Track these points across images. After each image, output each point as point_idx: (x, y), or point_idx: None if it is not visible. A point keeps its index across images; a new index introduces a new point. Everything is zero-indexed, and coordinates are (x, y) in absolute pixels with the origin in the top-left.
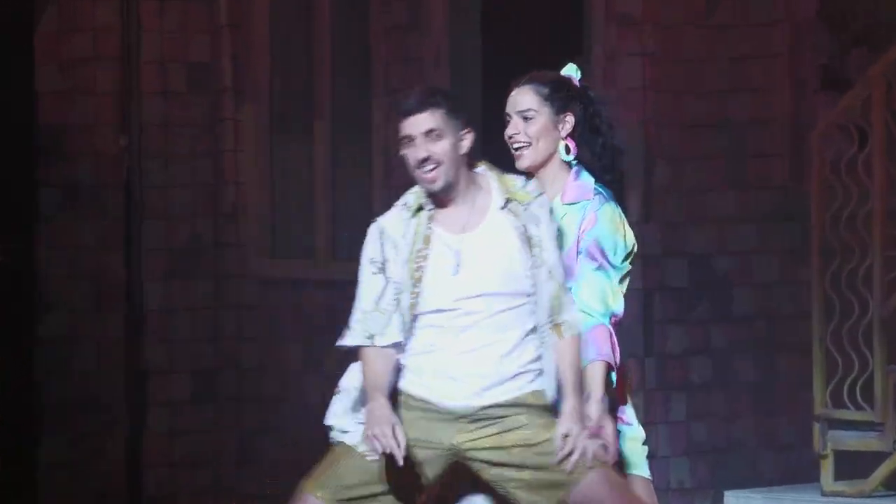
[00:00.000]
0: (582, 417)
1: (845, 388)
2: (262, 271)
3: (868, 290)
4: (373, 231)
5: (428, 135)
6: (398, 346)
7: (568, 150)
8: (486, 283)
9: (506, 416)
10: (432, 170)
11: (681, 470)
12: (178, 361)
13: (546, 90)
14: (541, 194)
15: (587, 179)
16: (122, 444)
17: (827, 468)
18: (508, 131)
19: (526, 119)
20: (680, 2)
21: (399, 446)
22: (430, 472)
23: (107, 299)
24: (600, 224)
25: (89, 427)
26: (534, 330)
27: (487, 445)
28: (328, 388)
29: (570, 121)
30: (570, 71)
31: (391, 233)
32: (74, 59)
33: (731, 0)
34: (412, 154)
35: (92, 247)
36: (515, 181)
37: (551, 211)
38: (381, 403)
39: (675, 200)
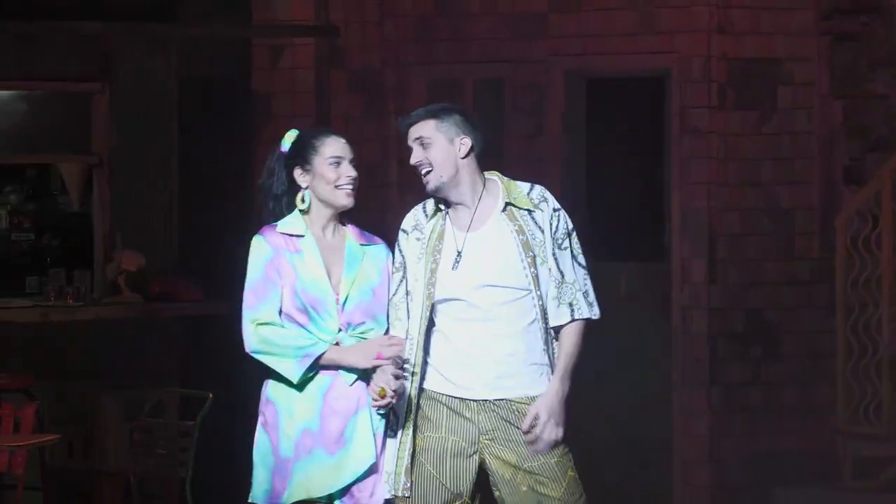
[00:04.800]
0: (560, 403)
1: (861, 409)
2: None
3: (879, 335)
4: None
5: (418, 140)
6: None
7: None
8: (484, 276)
9: (517, 415)
10: (426, 174)
11: (738, 471)
12: None
13: None
14: (544, 201)
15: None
16: None
17: (847, 470)
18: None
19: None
20: (738, 116)
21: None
22: (467, 468)
23: None
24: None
25: None
26: (537, 320)
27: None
28: None
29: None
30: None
31: (407, 229)
32: None
33: (778, 115)
34: (412, 158)
35: None
36: (521, 189)
37: (559, 218)
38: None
39: (735, 268)
